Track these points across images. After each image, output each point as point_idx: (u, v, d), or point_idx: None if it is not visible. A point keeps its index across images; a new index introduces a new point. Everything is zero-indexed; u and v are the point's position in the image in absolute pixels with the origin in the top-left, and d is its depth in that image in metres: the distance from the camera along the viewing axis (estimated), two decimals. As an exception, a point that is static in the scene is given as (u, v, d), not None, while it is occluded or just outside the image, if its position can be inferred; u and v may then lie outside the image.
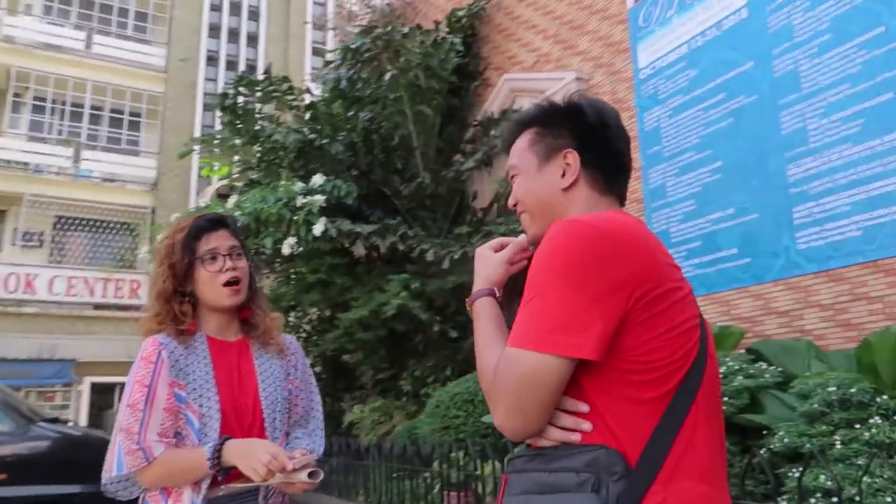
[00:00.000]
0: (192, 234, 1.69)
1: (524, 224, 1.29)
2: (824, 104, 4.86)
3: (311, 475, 1.49)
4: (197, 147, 10.05)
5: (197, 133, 18.81)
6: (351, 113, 8.72)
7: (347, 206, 8.00)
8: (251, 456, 1.47)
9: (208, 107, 19.84)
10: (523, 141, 1.29)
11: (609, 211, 1.17)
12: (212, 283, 1.68)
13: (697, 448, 1.04)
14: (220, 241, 1.71)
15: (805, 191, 4.91)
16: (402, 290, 7.49)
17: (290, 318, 10.20)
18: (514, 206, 1.30)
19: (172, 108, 18.78)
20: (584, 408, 1.04)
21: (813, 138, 4.91)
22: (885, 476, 2.46)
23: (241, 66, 21.04)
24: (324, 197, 7.42)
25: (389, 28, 8.06)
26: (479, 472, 4.53)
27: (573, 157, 1.22)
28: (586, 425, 1.03)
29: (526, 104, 7.91)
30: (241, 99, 9.03)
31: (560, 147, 1.23)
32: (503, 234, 7.18)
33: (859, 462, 2.59)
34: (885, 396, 2.80)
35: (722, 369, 3.63)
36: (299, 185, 7.53)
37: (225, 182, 11.65)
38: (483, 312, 1.20)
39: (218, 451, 1.51)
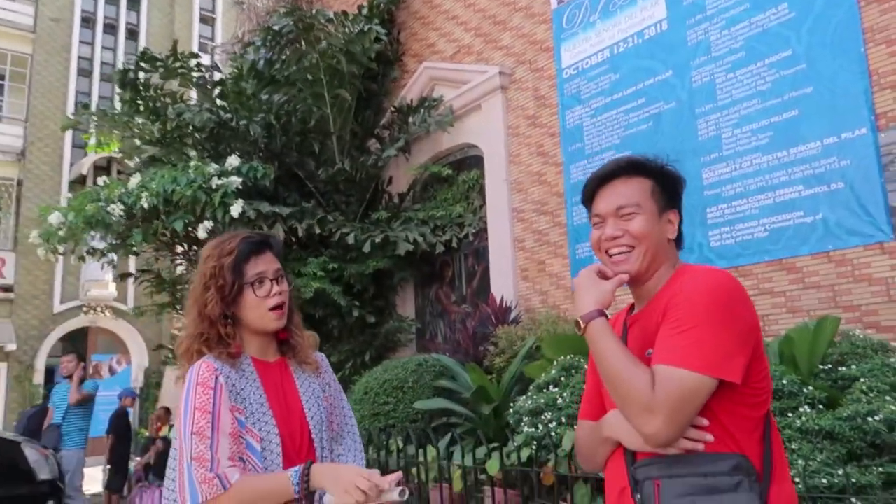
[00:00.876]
0: (242, 258, 1.67)
1: (629, 260, 1.44)
2: (737, 116, 5.36)
3: (399, 494, 1.52)
4: (85, 120, 9.28)
5: (70, 100, 17.32)
6: (266, 94, 8.43)
7: (263, 189, 7.78)
8: (343, 480, 1.48)
9: (83, 72, 18.31)
10: (644, 186, 1.48)
11: (711, 266, 1.43)
12: (259, 308, 1.68)
13: (782, 457, 1.32)
14: (267, 264, 1.71)
15: (718, 193, 5.40)
16: (320, 273, 7.42)
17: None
18: (617, 238, 1.46)
19: (41, 72, 17.13)
20: (705, 421, 1.27)
21: (726, 146, 5.40)
22: (818, 459, 2.84)
23: (121, 30, 19.56)
24: (240, 179, 7.17)
25: (314, 12, 7.86)
26: (421, 460, 4.63)
27: (676, 217, 1.50)
28: (709, 436, 1.26)
29: (445, 93, 8.04)
30: (141, 75, 8.48)
31: (671, 206, 1.50)
32: (422, 221, 7.24)
33: (793, 447, 2.95)
34: (810, 388, 3.20)
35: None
36: (213, 167, 7.22)
37: (104, 156, 10.87)
38: (606, 332, 1.36)
39: (306, 476, 1.52)
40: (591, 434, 1.47)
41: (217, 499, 1.48)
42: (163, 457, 8.50)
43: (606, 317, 1.39)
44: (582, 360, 4.35)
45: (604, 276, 1.45)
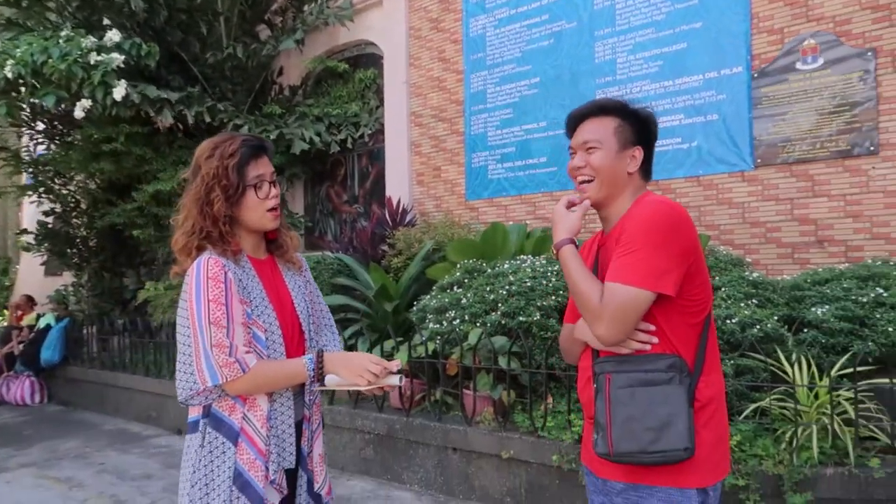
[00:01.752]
0: (245, 161, 1.75)
1: (589, 188, 1.72)
2: (632, 43, 5.73)
3: (399, 379, 1.75)
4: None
5: None
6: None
7: (145, 69, 7.23)
8: (354, 365, 1.70)
9: None
10: (607, 124, 1.72)
11: (662, 196, 1.68)
12: (258, 208, 1.78)
13: (714, 353, 1.66)
14: (265, 167, 1.80)
15: (609, 115, 5.81)
16: (211, 166, 7.18)
17: (56, 185, 9.10)
18: (581, 168, 1.72)
19: None
20: (652, 327, 1.58)
21: (620, 71, 5.79)
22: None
23: None
24: (122, 57, 6.62)
25: None
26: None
27: (640, 153, 1.72)
28: (655, 339, 1.58)
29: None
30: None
31: (633, 142, 1.71)
32: (317, 118, 7.19)
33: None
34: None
35: (554, 268, 4.42)
36: (91, 40, 6.59)
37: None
38: (573, 256, 1.65)
39: (321, 363, 1.71)
40: (569, 335, 1.79)
41: (236, 380, 1.64)
42: (33, 345, 8.14)
43: (575, 244, 1.67)
44: (484, 264, 4.72)
45: (572, 204, 1.72)
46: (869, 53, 4.58)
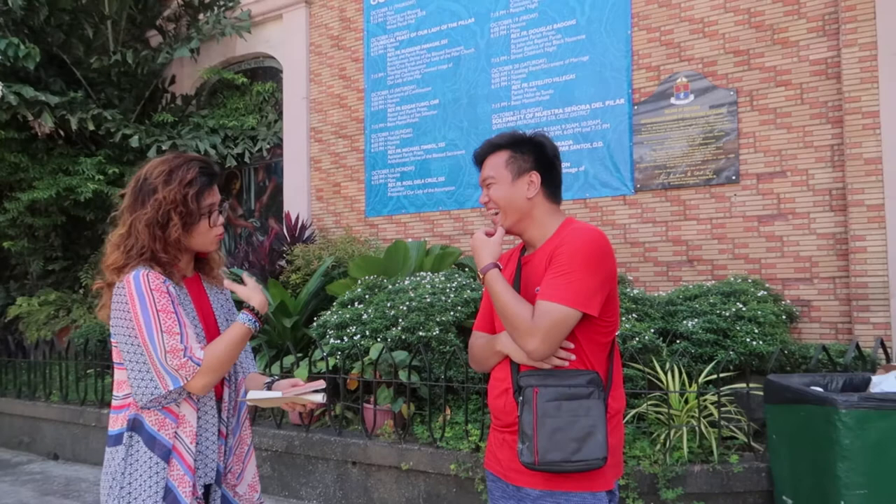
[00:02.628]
0: (202, 190, 1.78)
1: (497, 219, 1.87)
2: (526, 71, 6.07)
3: (322, 397, 1.79)
4: None
5: None
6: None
7: (21, 70, 6.81)
8: (263, 296, 1.84)
9: None
10: (500, 159, 1.85)
11: (588, 224, 1.83)
12: (207, 235, 1.82)
13: (619, 369, 1.83)
14: (215, 196, 1.85)
15: (503, 138, 6.11)
16: (96, 174, 6.86)
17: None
18: (486, 202, 1.88)
19: None
20: (572, 345, 1.71)
21: (514, 97, 6.11)
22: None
23: None
24: (-2, 57, 6.23)
25: None
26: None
27: (536, 177, 1.83)
28: (573, 356, 1.71)
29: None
30: None
31: (527, 169, 1.83)
32: (212, 130, 7.06)
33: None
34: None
35: (453, 284, 4.59)
36: (-39, 37, 6.15)
37: None
38: (499, 279, 1.76)
39: (254, 311, 1.79)
40: (485, 345, 1.89)
41: (195, 376, 1.67)
42: None
43: (499, 267, 1.80)
44: (385, 280, 4.82)
45: (490, 234, 1.86)
46: (732, 92, 5.12)
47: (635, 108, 5.52)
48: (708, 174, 5.19)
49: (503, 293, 1.73)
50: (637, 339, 3.88)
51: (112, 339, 1.77)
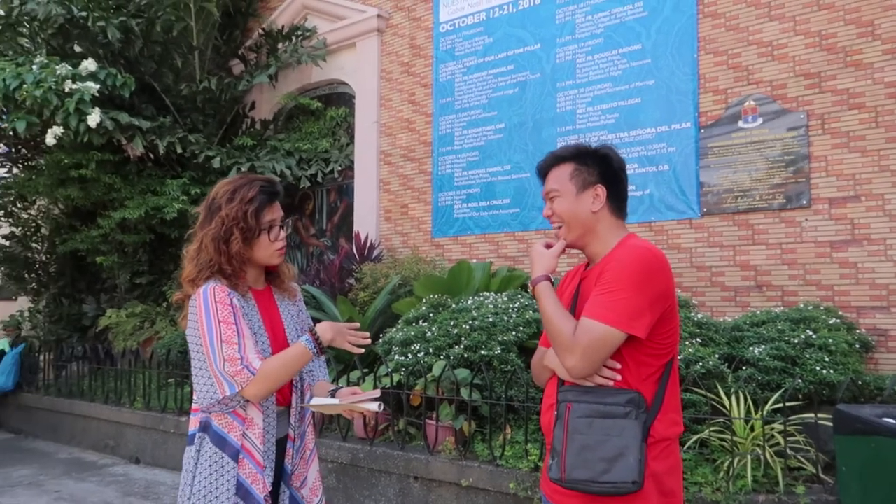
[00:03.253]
0: (262, 207, 1.96)
1: (560, 232, 1.88)
2: (591, 95, 6.13)
3: (378, 406, 1.92)
4: None
5: None
6: (125, -6, 7.85)
7: (117, 98, 7.35)
8: (343, 334, 1.95)
9: None
10: (564, 171, 1.86)
11: (645, 241, 1.81)
12: (268, 248, 2.00)
13: (675, 394, 1.78)
14: (277, 212, 2.02)
15: (568, 161, 6.18)
16: (181, 194, 7.31)
17: (17, 209, 9.05)
18: (550, 216, 1.90)
19: None
20: (618, 365, 1.68)
21: (580, 121, 6.18)
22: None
23: None
24: (97, 86, 6.75)
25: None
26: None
27: (602, 190, 1.82)
28: (618, 376, 1.67)
29: (319, 25, 8.05)
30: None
31: (593, 182, 1.83)
32: (288, 152, 7.41)
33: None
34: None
35: (515, 304, 4.68)
36: (66, 68, 6.70)
37: None
38: (547, 292, 1.78)
39: (317, 338, 1.92)
40: (541, 359, 1.93)
41: (249, 384, 1.83)
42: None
43: (551, 281, 1.81)
44: (448, 300, 4.95)
45: (549, 246, 1.88)
46: (802, 115, 5.04)
47: (702, 131, 5.49)
48: (778, 198, 5.11)
49: (548, 307, 1.74)
50: (701, 364, 3.85)
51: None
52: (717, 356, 4.00)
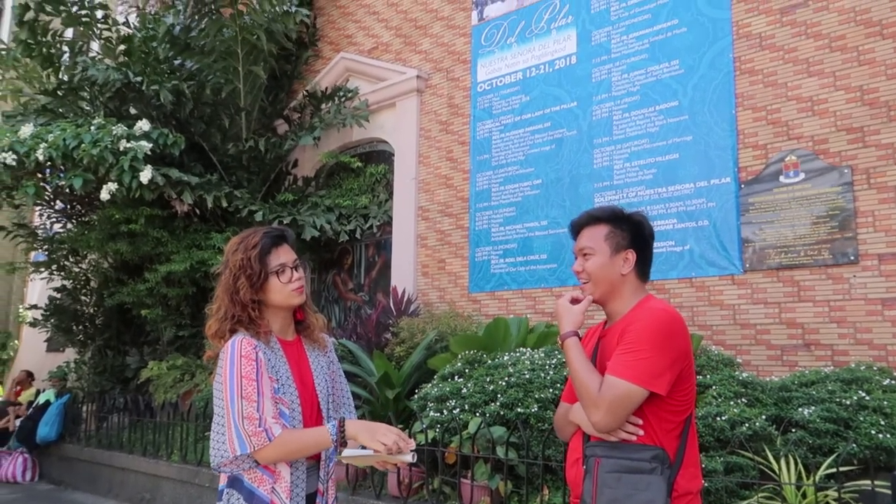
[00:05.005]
0: (266, 250, 1.99)
1: (587, 288, 1.94)
2: (628, 151, 6.15)
3: (412, 456, 1.88)
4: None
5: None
6: (178, 60, 8.27)
7: (167, 156, 7.66)
8: (375, 432, 1.86)
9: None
10: (599, 232, 1.94)
11: (664, 302, 1.89)
12: (283, 291, 2.00)
13: (693, 449, 1.84)
14: (286, 255, 2.04)
15: (606, 217, 6.16)
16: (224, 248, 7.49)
17: (69, 263, 9.37)
18: (580, 272, 1.96)
19: None
20: (640, 421, 1.76)
21: (617, 177, 6.18)
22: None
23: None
24: (150, 144, 7.05)
25: (242, -16, 7.84)
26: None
27: (632, 255, 1.91)
28: (641, 431, 1.75)
29: (360, 86, 8.31)
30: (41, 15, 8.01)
31: (625, 246, 1.91)
32: (328, 208, 7.54)
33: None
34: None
35: (552, 361, 4.60)
36: (121, 128, 7.04)
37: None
38: (575, 347, 1.85)
39: (342, 429, 1.89)
40: (563, 414, 1.98)
41: (264, 448, 1.81)
42: (30, 420, 8.15)
43: (579, 336, 1.89)
44: (484, 356, 4.90)
45: (575, 300, 1.94)
46: (846, 170, 4.95)
47: (742, 186, 5.43)
48: (824, 254, 4.98)
49: (576, 362, 1.81)
50: (747, 425, 3.70)
51: None
52: (763, 417, 3.84)
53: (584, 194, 6.35)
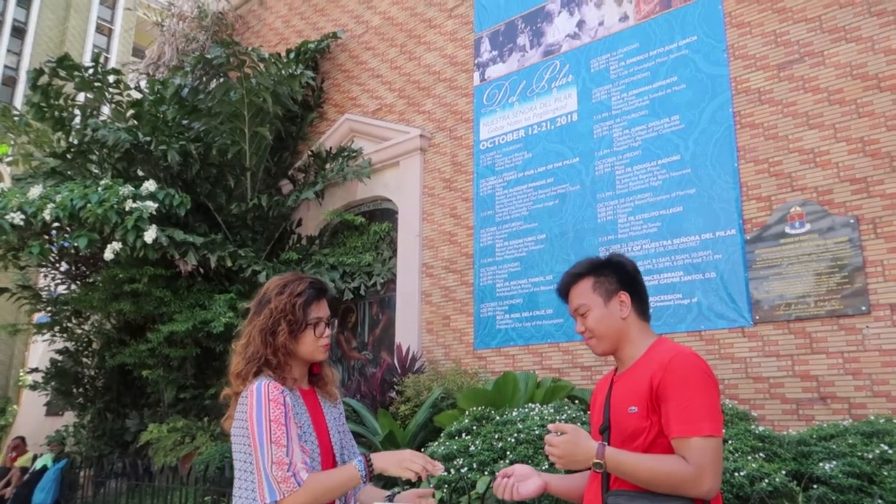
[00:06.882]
0: (309, 302, 1.96)
1: (593, 345, 1.89)
2: (632, 205, 6.17)
3: (434, 495, 1.84)
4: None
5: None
6: (185, 121, 8.44)
7: (172, 216, 7.71)
8: (402, 461, 1.80)
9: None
10: (585, 286, 1.89)
11: (678, 344, 1.81)
12: (313, 344, 1.97)
13: (719, 499, 1.72)
14: (324, 310, 2.02)
15: (611, 270, 6.13)
16: (228, 309, 7.44)
17: (72, 324, 9.32)
18: (584, 332, 1.91)
19: None
20: None
21: (621, 230, 6.18)
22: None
23: (7, 26, 18.40)
24: (155, 204, 7.11)
25: (250, 49, 8.06)
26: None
27: (626, 296, 1.86)
28: None
29: (364, 146, 8.44)
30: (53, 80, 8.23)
31: (615, 290, 1.86)
32: (332, 266, 7.51)
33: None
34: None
35: (563, 416, 4.48)
36: (128, 189, 7.12)
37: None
38: (622, 454, 1.65)
39: (370, 464, 1.82)
40: (581, 482, 1.91)
41: (293, 494, 1.74)
42: (27, 487, 7.94)
43: (605, 446, 1.70)
44: (492, 412, 4.78)
45: (557, 429, 1.74)
46: (852, 220, 4.94)
47: (748, 238, 5.41)
48: (834, 305, 4.91)
49: (640, 461, 1.65)
50: (767, 480, 3.56)
51: (233, 449, 1.89)
52: (783, 472, 3.70)
53: (589, 248, 6.33)
